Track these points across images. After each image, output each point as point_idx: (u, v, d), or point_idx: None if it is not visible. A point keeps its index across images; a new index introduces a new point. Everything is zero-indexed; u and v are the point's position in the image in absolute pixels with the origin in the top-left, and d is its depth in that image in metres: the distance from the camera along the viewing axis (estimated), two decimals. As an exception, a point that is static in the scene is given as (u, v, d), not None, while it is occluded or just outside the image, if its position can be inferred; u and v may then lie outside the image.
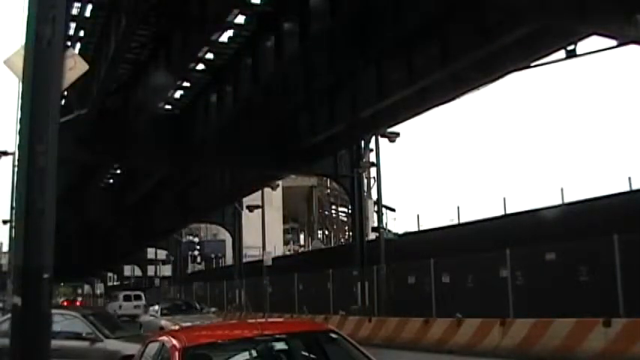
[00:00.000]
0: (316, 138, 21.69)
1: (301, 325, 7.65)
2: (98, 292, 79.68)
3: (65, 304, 49.00)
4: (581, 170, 70.13)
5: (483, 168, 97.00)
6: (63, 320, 10.88)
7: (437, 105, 18.82)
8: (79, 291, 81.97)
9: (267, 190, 35.82)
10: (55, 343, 10.82)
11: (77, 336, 10.58)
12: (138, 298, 38.91)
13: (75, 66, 4.33)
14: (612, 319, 12.24)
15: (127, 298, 39.26)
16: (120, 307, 37.42)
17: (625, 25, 11.33)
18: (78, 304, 51.69)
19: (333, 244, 56.20)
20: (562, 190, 19.41)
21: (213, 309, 25.10)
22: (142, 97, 19.87)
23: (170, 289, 47.75)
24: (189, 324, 14.45)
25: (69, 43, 14.32)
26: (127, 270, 64.49)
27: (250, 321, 7.79)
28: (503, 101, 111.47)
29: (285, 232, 63.29)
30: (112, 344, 10.47)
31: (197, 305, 23.97)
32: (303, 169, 28.63)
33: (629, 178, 17.51)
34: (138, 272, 60.16)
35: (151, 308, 23.42)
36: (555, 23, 13.06)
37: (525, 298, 15.50)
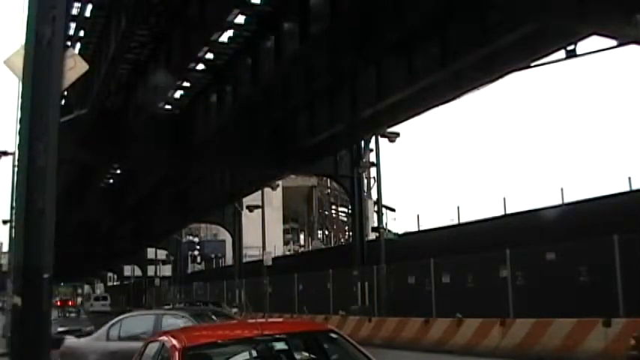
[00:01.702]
0: (316, 138, 21.69)
1: (301, 325, 7.64)
2: (98, 291, 79.71)
3: (59, 304, 49.35)
4: (581, 170, 70.12)
5: (483, 168, 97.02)
6: (174, 319, 10.60)
7: (437, 105, 18.83)
8: (79, 291, 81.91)
9: (267, 190, 35.83)
10: None
11: None
12: (105, 298, 55.50)
13: (75, 66, 4.32)
14: (612, 319, 12.24)
15: (96, 299, 56.52)
16: (91, 305, 50.73)
17: (625, 25, 11.34)
18: (71, 304, 52.66)
19: (333, 244, 56.19)
20: (562, 190, 19.43)
21: (234, 309, 23.48)
22: (142, 97, 19.87)
23: (170, 289, 47.76)
24: None
25: (69, 43, 14.32)
26: (127, 270, 64.50)
27: (250, 321, 7.79)
28: (503, 101, 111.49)
29: (285, 232, 63.27)
30: None
31: (216, 305, 23.02)
32: (303, 169, 28.65)
33: (629, 178, 17.53)
34: (138, 272, 60.18)
35: (165, 308, 22.74)
36: (555, 23, 13.06)
37: (525, 298, 15.50)
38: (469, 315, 15.85)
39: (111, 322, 10.94)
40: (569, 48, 14.09)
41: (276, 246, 44.44)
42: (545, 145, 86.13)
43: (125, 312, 14.43)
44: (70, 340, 11.60)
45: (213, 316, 12.36)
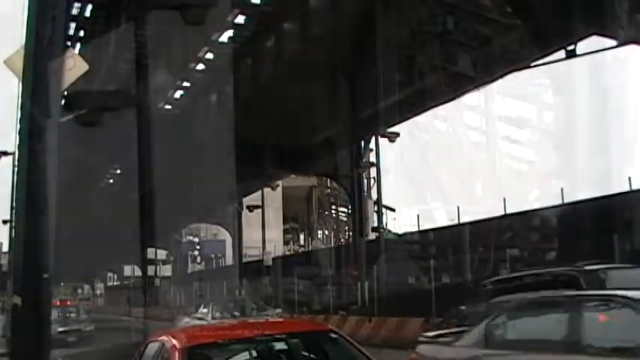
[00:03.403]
0: (316, 138, 21.68)
1: (301, 325, 7.63)
2: (98, 292, 79.65)
3: (58, 304, 49.29)
4: (580, 170, 69.98)
5: (483, 168, 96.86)
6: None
7: (437, 105, 18.83)
8: (79, 291, 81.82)
9: (267, 190, 35.80)
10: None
11: None
12: (87, 299, 67.61)
13: (75, 66, 4.32)
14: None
15: (81, 299, 64.59)
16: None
17: (625, 25, 11.35)
18: (68, 303, 52.83)
19: (333, 244, 56.12)
20: (562, 190, 19.39)
21: (278, 309, 20.37)
22: (142, 97, 19.84)
23: (170, 289, 47.69)
24: None
25: (69, 43, 14.32)
26: (127, 270, 64.43)
27: (250, 321, 7.78)
28: (503, 101, 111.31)
29: (285, 232, 63.19)
30: None
31: (254, 305, 20.05)
32: (303, 169, 28.63)
33: (629, 178, 17.48)
34: (138, 272, 60.12)
35: (199, 310, 19.58)
36: (555, 23, 13.05)
37: (525, 298, 15.47)
38: (469, 315, 15.82)
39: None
40: (569, 48, 14.08)
41: (276, 246, 44.39)
42: (545, 145, 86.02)
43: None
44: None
45: None
